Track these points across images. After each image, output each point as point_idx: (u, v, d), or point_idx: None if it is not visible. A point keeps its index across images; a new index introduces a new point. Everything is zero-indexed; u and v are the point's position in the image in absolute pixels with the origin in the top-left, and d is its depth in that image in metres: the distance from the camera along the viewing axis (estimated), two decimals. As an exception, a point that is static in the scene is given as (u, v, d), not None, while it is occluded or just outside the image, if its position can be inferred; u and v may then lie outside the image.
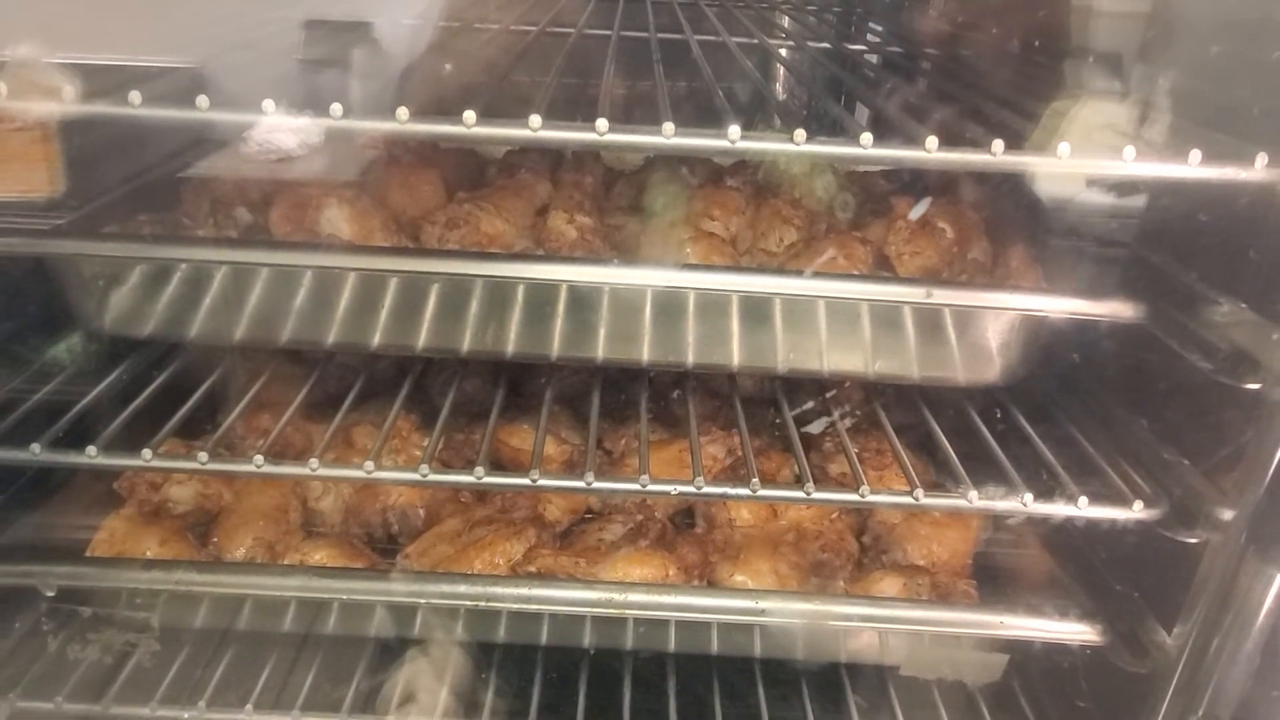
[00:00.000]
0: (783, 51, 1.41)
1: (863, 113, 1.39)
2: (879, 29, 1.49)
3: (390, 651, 1.06)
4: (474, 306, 0.95)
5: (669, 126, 0.73)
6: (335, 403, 1.11)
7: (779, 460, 1.17)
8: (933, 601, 0.96)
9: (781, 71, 1.63)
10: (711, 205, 1.11)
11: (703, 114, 0.80)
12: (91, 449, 0.85)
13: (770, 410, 1.24)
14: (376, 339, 0.96)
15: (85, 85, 0.73)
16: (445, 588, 0.93)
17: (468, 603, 0.94)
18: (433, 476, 0.88)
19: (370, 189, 1.12)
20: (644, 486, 0.87)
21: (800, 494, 0.87)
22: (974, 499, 0.85)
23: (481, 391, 1.23)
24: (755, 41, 1.26)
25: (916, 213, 1.05)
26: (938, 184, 1.20)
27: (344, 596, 0.93)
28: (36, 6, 1.14)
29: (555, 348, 0.96)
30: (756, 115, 1.30)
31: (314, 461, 0.88)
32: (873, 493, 0.86)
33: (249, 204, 1.10)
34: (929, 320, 0.91)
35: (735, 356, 0.94)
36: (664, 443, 1.14)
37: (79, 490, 1.09)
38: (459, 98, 0.77)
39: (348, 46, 1.17)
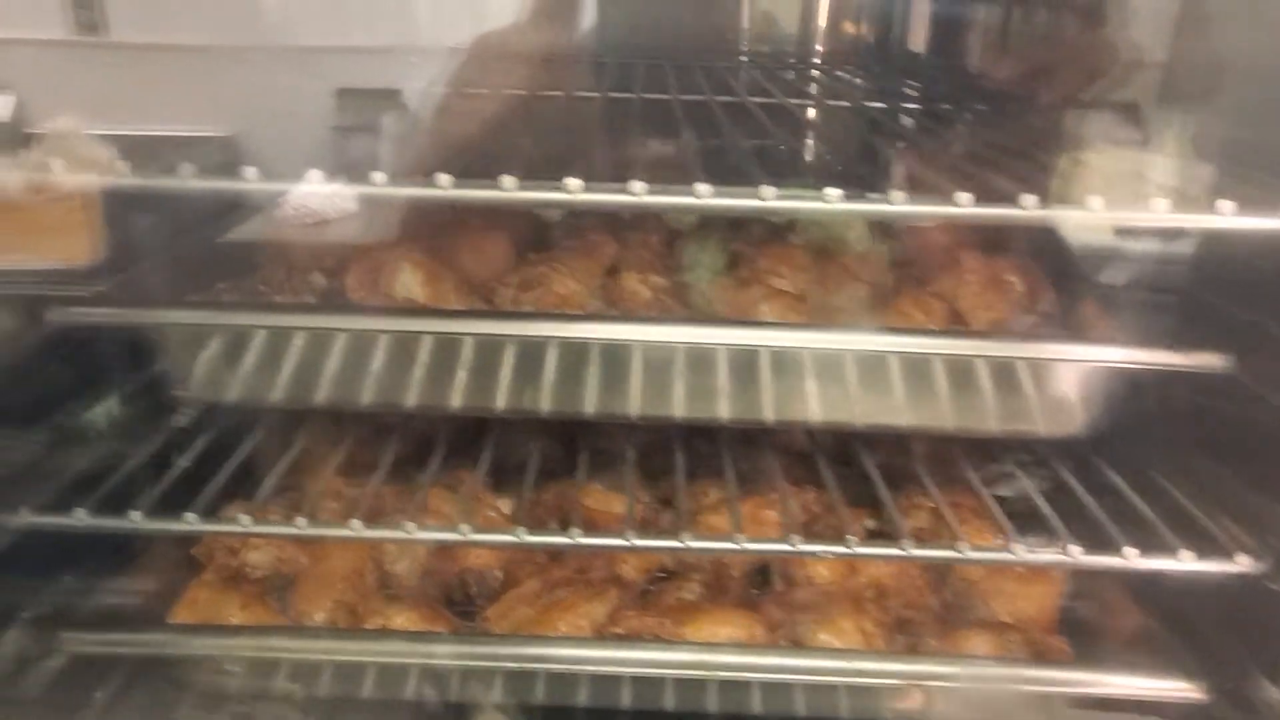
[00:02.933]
0: (814, 111, 1.43)
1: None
2: (914, 88, 1.50)
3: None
4: (551, 366, 0.96)
5: (704, 188, 0.74)
6: (401, 466, 1.12)
7: (848, 516, 1.16)
8: (1032, 660, 0.94)
9: (816, 130, 1.65)
10: (778, 263, 1.11)
11: (734, 172, 0.82)
12: (191, 516, 0.85)
13: (839, 466, 1.23)
14: (459, 400, 0.97)
15: (125, 156, 0.75)
16: (534, 650, 0.93)
17: (555, 666, 0.93)
18: (528, 538, 0.88)
19: (439, 251, 1.13)
20: (740, 545, 0.86)
21: (897, 550, 0.86)
22: (1077, 554, 0.84)
23: (547, 452, 1.23)
24: (790, 102, 1.27)
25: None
26: (995, 239, 1.21)
27: (442, 661, 0.92)
28: (72, 79, 1.18)
29: (635, 406, 0.97)
30: (793, 174, 1.33)
31: (410, 525, 0.88)
32: (972, 549, 0.85)
33: (324, 269, 1.12)
34: (1013, 372, 0.91)
35: (828, 412, 0.94)
36: (739, 500, 1.13)
37: (155, 558, 1.10)
38: (493, 162, 0.79)
39: (379, 113, 1.20)
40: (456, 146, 1.02)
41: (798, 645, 0.99)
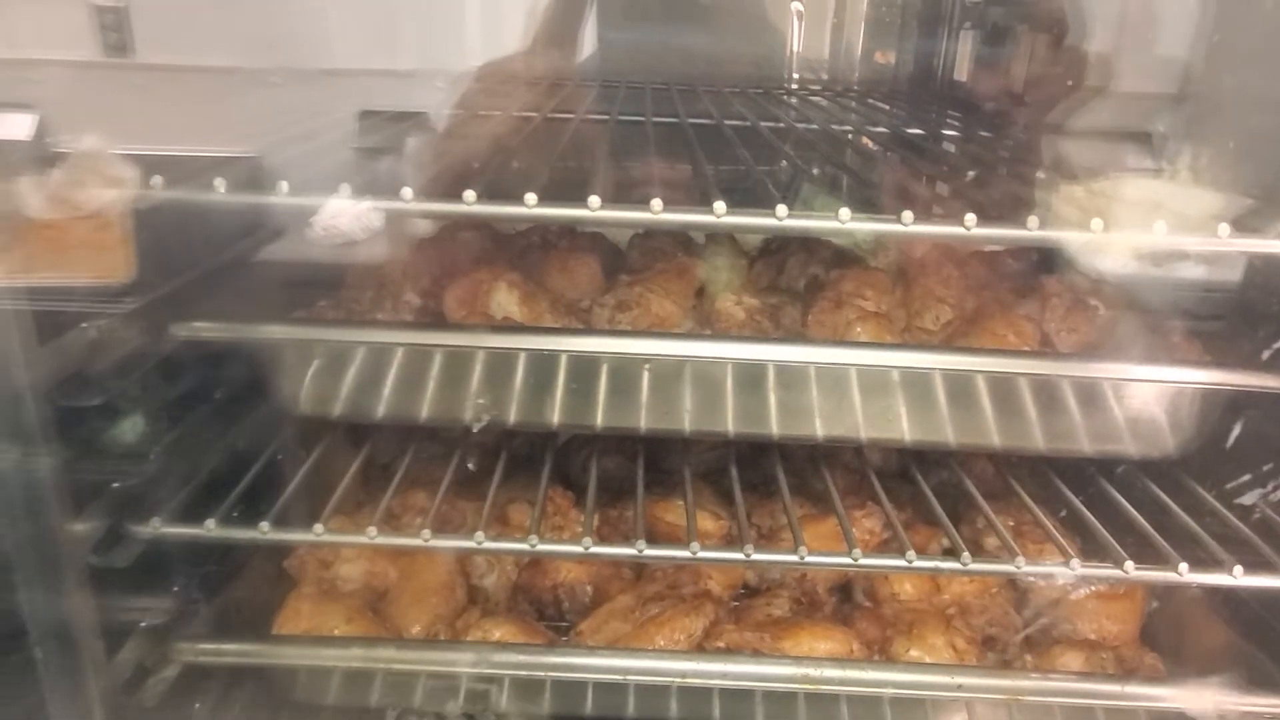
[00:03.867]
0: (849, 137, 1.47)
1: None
2: (952, 117, 1.54)
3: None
4: (646, 385, 0.98)
5: (720, 205, 0.77)
6: (479, 480, 1.14)
7: (925, 534, 1.18)
8: (1130, 676, 0.96)
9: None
10: (863, 286, 1.14)
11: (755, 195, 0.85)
12: (318, 527, 0.87)
13: (915, 487, 1.25)
14: (558, 417, 0.99)
15: (155, 175, 0.78)
16: (638, 663, 0.94)
17: (656, 680, 0.95)
18: (594, 549, 0.90)
19: (529, 272, 1.16)
20: (802, 559, 0.89)
21: (957, 565, 0.88)
22: (1130, 570, 0.86)
23: (623, 468, 1.25)
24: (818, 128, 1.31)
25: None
26: (1057, 260, 1.24)
27: (547, 674, 0.94)
28: (98, 100, 1.21)
29: (731, 424, 0.99)
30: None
31: (480, 535, 0.90)
32: (1028, 563, 0.87)
33: (419, 290, 1.15)
34: (1099, 393, 0.94)
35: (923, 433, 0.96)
36: (816, 518, 1.15)
37: (252, 572, 1.11)
38: (519, 181, 0.82)
39: (400, 135, 1.22)
40: (483, 166, 1.04)
41: (888, 660, 1.01)
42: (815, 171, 1.29)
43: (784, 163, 1.31)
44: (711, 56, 1.57)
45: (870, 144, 1.24)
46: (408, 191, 0.79)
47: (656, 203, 0.78)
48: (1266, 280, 1.17)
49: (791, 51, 1.61)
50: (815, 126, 1.22)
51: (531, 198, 0.78)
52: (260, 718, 1.04)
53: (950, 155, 1.26)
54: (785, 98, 1.49)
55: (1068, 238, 0.79)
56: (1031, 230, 0.78)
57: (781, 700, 1.01)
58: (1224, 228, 0.76)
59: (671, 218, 0.79)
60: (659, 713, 1.06)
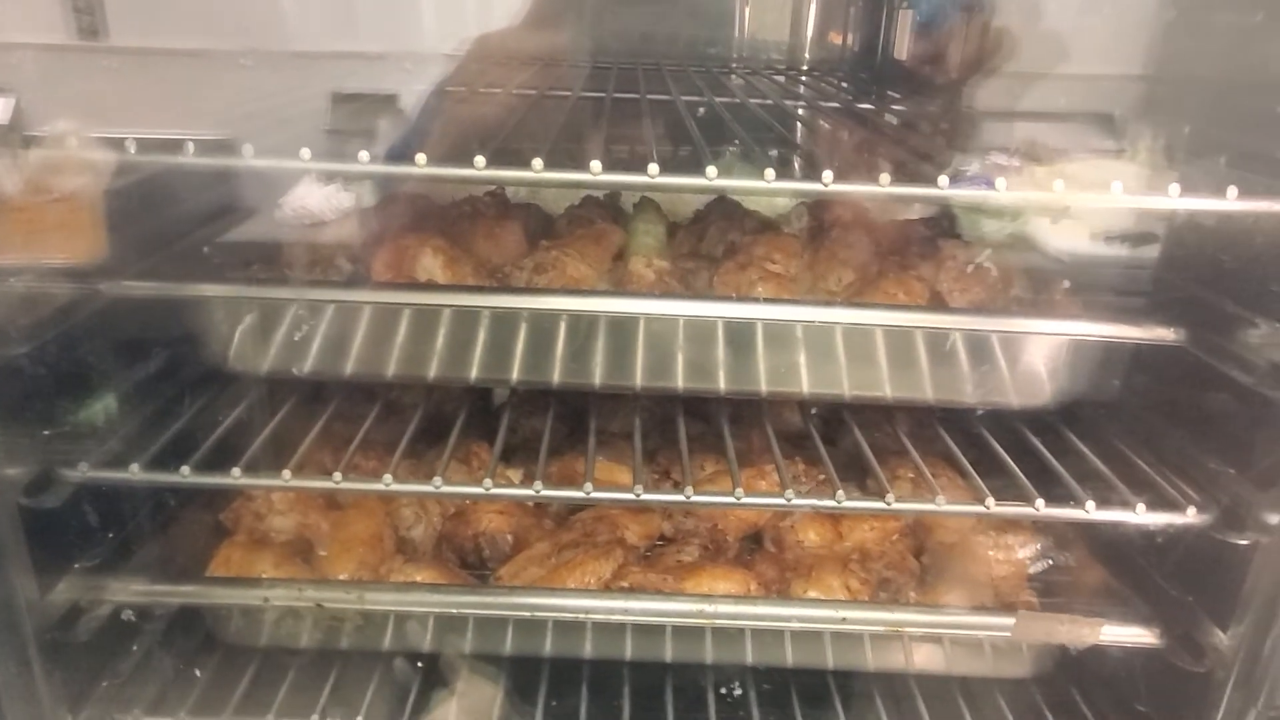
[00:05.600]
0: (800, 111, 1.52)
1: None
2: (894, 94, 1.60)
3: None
4: (562, 340, 1.04)
5: (653, 167, 0.83)
6: (416, 444, 1.20)
7: (838, 484, 1.24)
8: (998, 609, 1.02)
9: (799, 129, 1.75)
10: (773, 250, 1.20)
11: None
12: (235, 470, 0.93)
13: (829, 444, 1.31)
14: (475, 373, 1.04)
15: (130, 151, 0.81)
16: (548, 600, 1.00)
17: (568, 615, 1.01)
18: (545, 492, 0.96)
19: (456, 240, 1.21)
20: (739, 499, 0.95)
21: (881, 504, 0.95)
22: (1041, 507, 0.92)
23: (555, 430, 1.31)
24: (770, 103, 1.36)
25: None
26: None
27: (461, 611, 1.00)
28: (72, 83, 1.24)
29: (639, 378, 1.05)
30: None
31: (438, 479, 0.96)
32: (948, 502, 0.93)
33: (349, 255, 1.20)
34: (987, 347, 1.00)
35: (807, 384, 1.02)
36: (743, 469, 1.21)
37: (187, 523, 1.16)
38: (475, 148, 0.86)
39: (373, 117, 1.27)
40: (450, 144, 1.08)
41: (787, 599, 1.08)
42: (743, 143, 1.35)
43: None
44: (670, 36, 1.62)
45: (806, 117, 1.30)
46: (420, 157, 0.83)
47: (596, 164, 0.83)
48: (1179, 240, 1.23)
49: (743, 32, 1.67)
50: (769, 102, 1.28)
51: (480, 160, 0.83)
52: (194, 660, 1.10)
53: (882, 129, 1.32)
54: (733, 77, 1.54)
55: (964, 195, 0.84)
56: (942, 189, 0.82)
57: (690, 635, 1.08)
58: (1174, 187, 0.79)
59: (610, 179, 0.84)
60: (576, 650, 1.12)
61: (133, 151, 0.82)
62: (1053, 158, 1.02)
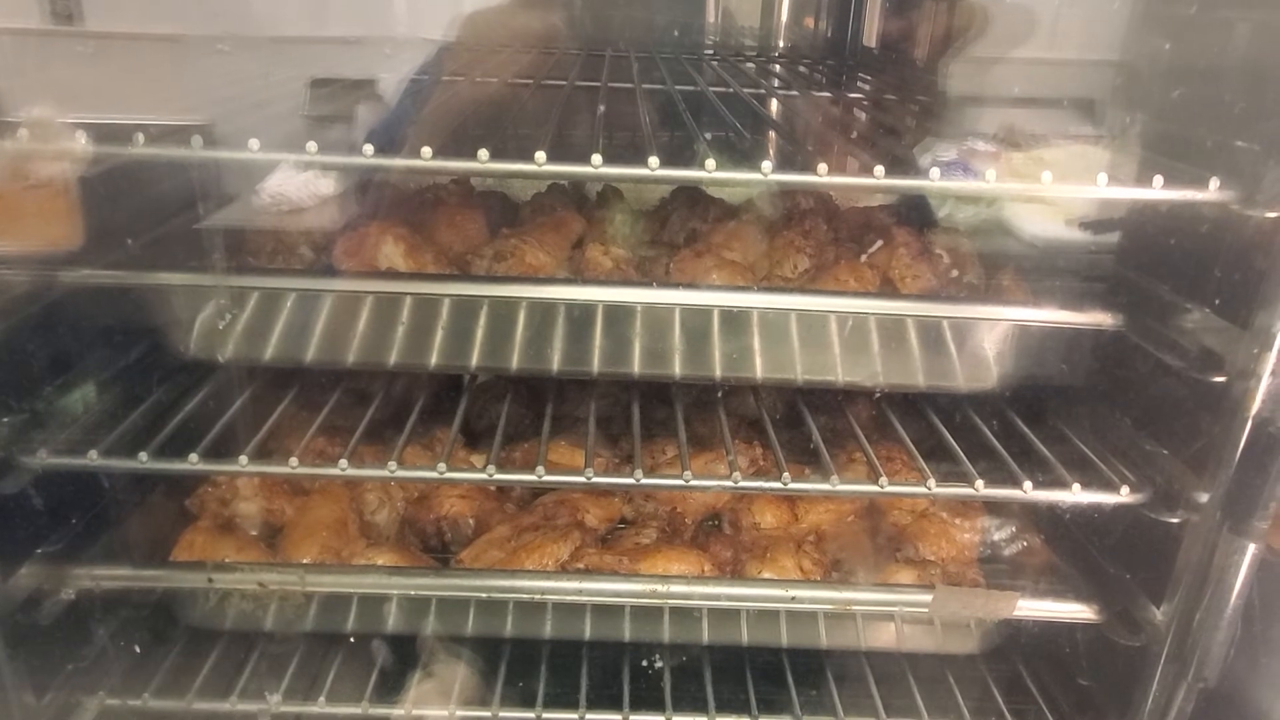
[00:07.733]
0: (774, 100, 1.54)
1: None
2: (867, 81, 1.62)
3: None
4: (520, 327, 1.06)
5: (597, 158, 0.84)
6: (378, 429, 1.21)
7: (795, 472, 1.27)
8: (922, 587, 1.05)
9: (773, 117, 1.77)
10: (731, 238, 1.22)
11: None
12: (193, 456, 0.94)
13: (783, 430, 1.34)
14: (434, 359, 1.06)
15: (99, 144, 0.82)
16: (504, 582, 1.03)
17: (524, 596, 1.03)
18: (499, 475, 0.98)
19: (418, 228, 1.23)
20: (687, 481, 0.97)
21: (826, 485, 0.97)
22: (980, 487, 0.95)
23: (516, 414, 1.33)
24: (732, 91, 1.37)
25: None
26: (930, 219, 1.32)
27: (419, 592, 1.02)
28: (48, 71, 1.23)
29: (596, 364, 1.06)
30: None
31: (392, 464, 0.97)
32: (891, 484, 0.96)
33: (312, 244, 1.21)
34: (933, 331, 1.02)
35: (759, 369, 1.04)
36: (694, 454, 1.24)
37: (152, 510, 1.18)
38: (462, 141, 0.88)
39: (352, 103, 1.28)
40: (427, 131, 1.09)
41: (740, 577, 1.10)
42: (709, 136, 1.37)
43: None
44: (645, 23, 1.63)
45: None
46: (427, 151, 0.84)
47: (540, 155, 0.85)
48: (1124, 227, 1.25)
49: (719, 18, 1.70)
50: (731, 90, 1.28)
51: (427, 151, 0.84)
52: (159, 644, 1.12)
53: (845, 116, 1.34)
54: (707, 64, 1.56)
55: (920, 186, 0.85)
56: (879, 179, 0.84)
57: (647, 615, 1.11)
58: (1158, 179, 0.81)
59: (555, 169, 0.85)
60: (537, 630, 1.14)
61: (101, 139, 0.83)
62: (1030, 143, 1.05)
